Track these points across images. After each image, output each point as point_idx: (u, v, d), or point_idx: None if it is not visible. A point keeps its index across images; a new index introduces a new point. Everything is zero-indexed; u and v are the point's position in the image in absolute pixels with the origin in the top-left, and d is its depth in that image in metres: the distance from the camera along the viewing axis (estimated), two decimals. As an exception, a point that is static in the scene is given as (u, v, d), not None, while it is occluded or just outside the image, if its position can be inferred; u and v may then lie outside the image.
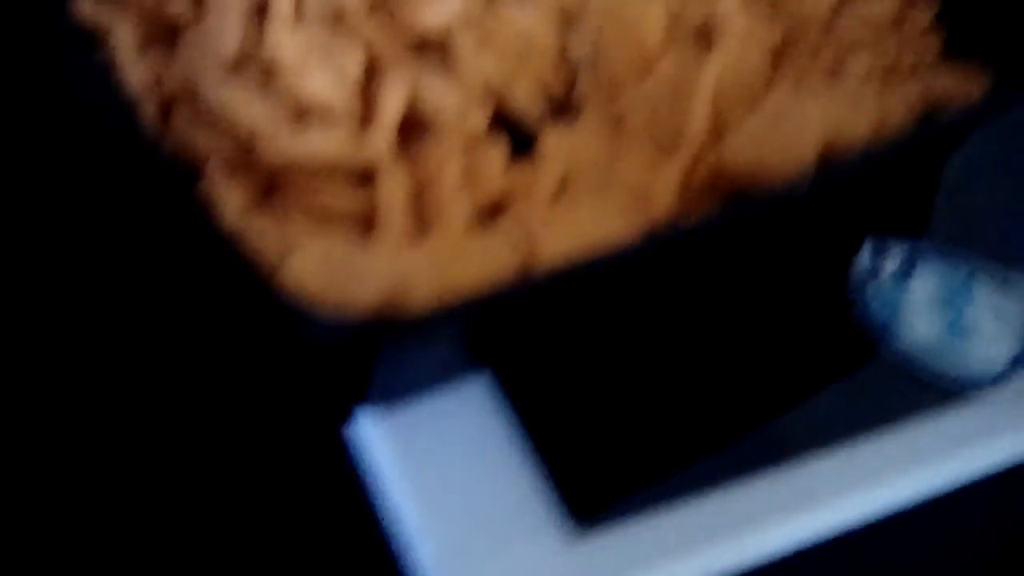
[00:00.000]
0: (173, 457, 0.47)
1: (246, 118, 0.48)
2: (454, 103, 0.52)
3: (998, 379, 0.51)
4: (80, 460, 0.47)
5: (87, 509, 0.46)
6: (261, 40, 0.51)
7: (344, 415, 0.47)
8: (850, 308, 0.54)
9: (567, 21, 0.59)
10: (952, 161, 0.60)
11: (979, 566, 0.49)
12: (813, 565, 0.47)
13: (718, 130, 0.52)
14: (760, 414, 0.50)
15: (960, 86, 0.56)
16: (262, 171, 0.48)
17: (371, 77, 0.53)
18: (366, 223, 0.49)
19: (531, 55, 0.57)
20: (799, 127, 0.50)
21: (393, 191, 0.49)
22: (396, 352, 0.44)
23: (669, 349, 0.52)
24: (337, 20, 0.54)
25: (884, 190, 0.57)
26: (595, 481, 0.47)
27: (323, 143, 0.48)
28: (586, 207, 0.51)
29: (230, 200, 0.46)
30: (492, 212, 0.51)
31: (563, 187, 0.52)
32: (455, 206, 0.49)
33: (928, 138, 0.54)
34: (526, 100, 0.55)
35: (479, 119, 0.53)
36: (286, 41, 0.51)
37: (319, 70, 0.50)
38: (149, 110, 0.50)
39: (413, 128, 0.52)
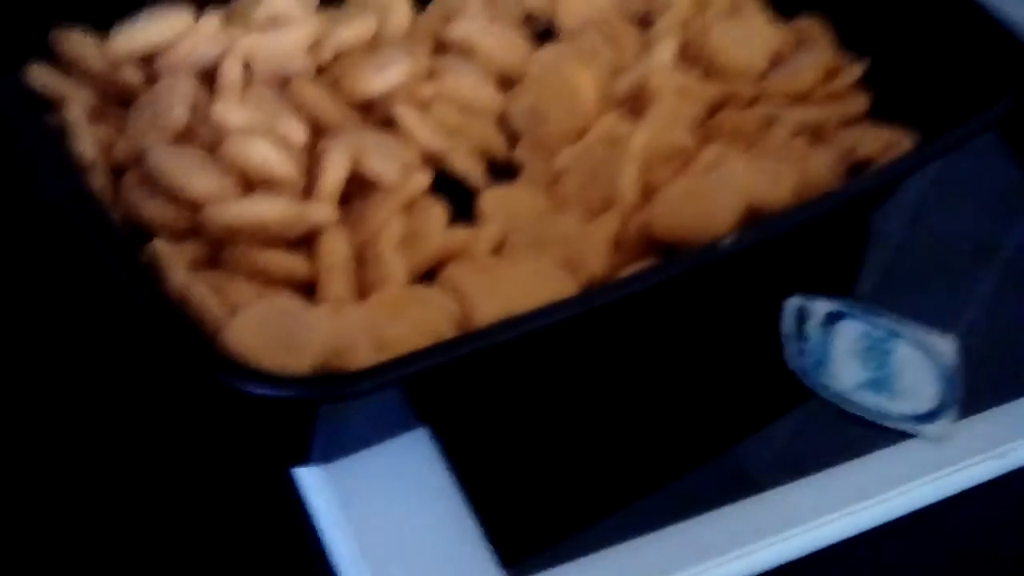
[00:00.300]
0: (120, 516, 0.48)
1: (192, 186, 0.50)
2: (395, 168, 0.54)
3: (921, 422, 0.54)
4: (35, 508, 0.48)
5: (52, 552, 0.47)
6: (209, 108, 0.53)
7: (285, 470, 0.49)
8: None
9: (506, 87, 0.61)
10: (875, 220, 0.63)
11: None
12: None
13: (647, 192, 0.54)
14: (691, 461, 0.52)
15: (886, 143, 0.58)
16: (207, 235, 0.50)
17: (316, 139, 0.55)
18: (308, 284, 0.50)
19: (472, 119, 0.59)
20: (724, 189, 0.52)
21: (334, 251, 0.51)
22: (336, 410, 0.46)
23: (601, 400, 0.53)
24: (283, 87, 0.56)
25: (813, 244, 0.59)
26: (524, 530, 0.49)
27: (266, 209, 0.50)
28: (523, 264, 0.53)
29: (176, 263, 0.48)
30: (432, 270, 0.52)
31: (501, 245, 0.54)
32: (395, 265, 0.51)
33: (854, 194, 0.56)
34: (466, 162, 0.57)
35: (420, 181, 0.55)
36: (232, 111, 0.53)
37: (264, 139, 0.52)
38: (99, 175, 0.52)
39: (357, 185, 0.54)
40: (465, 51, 0.62)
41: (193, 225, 0.50)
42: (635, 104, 0.59)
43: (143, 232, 0.50)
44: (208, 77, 0.56)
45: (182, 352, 0.43)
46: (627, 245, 0.54)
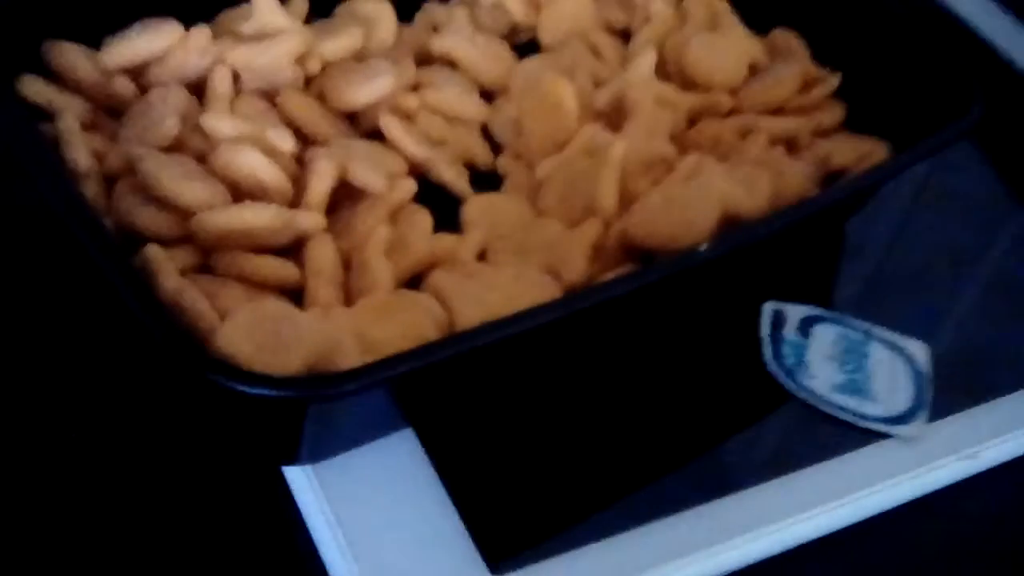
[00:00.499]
0: (112, 514, 0.49)
1: (183, 194, 0.51)
2: (381, 177, 0.55)
3: (895, 424, 0.55)
4: (27, 511, 0.49)
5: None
6: (199, 118, 0.54)
7: (275, 469, 0.50)
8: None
9: (490, 98, 0.63)
10: (855, 230, 0.64)
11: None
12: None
13: (627, 200, 0.56)
14: (671, 461, 0.53)
15: (861, 153, 0.60)
16: (199, 242, 0.51)
17: (304, 148, 0.56)
18: (297, 290, 0.52)
19: (456, 129, 0.61)
20: (701, 197, 0.53)
21: (321, 258, 0.52)
22: (324, 410, 0.47)
23: (583, 402, 0.54)
24: (271, 98, 0.57)
25: (790, 251, 0.60)
26: (507, 530, 0.50)
27: (256, 216, 0.51)
28: (506, 270, 0.54)
29: (168, 268, 0.49)
30: (418, 276, 0.54)
31: (485, 252, 0.56)
32: (382, 272, 0.52)
33: (828, 203, 0.57)
34: (451, 171, 0.59)
35: (406, 189, 0.56)
36: (222, 121, 0.54)
37: (253, 149, 0.53)
38: (93, 184, 0.53)
39: (344, 194, 0.55)
40: (450, 63, 0.63)
41: (184, 232, 0.51)
42: (615, 115, 0.60)
43: (136, 239, 0.51)
44: (198, 88, 0.57)
45: (174, 354, 0.43)
46: (607, 252, 0.55)
